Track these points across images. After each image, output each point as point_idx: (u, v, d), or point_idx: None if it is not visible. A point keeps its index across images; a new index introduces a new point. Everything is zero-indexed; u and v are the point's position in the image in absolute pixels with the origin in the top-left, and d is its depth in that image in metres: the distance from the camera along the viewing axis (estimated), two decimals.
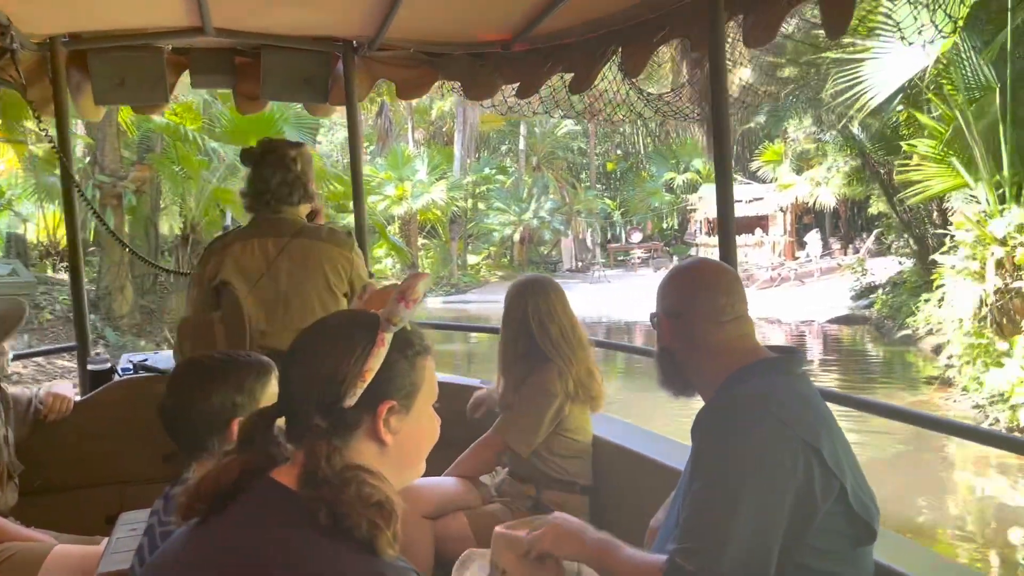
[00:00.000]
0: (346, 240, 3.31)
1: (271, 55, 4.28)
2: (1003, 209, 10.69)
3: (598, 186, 41.44)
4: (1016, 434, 9.18)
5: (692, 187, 36.08)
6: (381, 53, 4.38)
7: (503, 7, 3.82)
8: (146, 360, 3.98)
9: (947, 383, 12.07)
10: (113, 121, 15.24)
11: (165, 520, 1.91)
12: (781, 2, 3.10)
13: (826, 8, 2.96)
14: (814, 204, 28.31)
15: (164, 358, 3.98)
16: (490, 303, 27.04)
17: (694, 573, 1.71)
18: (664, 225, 39.76)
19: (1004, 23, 10.73)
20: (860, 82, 11.81)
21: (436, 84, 4.48)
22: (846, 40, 11.56)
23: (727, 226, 3.40)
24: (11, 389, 3.35)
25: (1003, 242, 10.49)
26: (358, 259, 3.32)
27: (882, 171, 17.49)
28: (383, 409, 1.30)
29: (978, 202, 11.20)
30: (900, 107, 13.52)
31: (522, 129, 37.74)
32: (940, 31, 7.20)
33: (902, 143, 13.25)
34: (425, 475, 1.46)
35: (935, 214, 16.40)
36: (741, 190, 29.19)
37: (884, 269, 21.98)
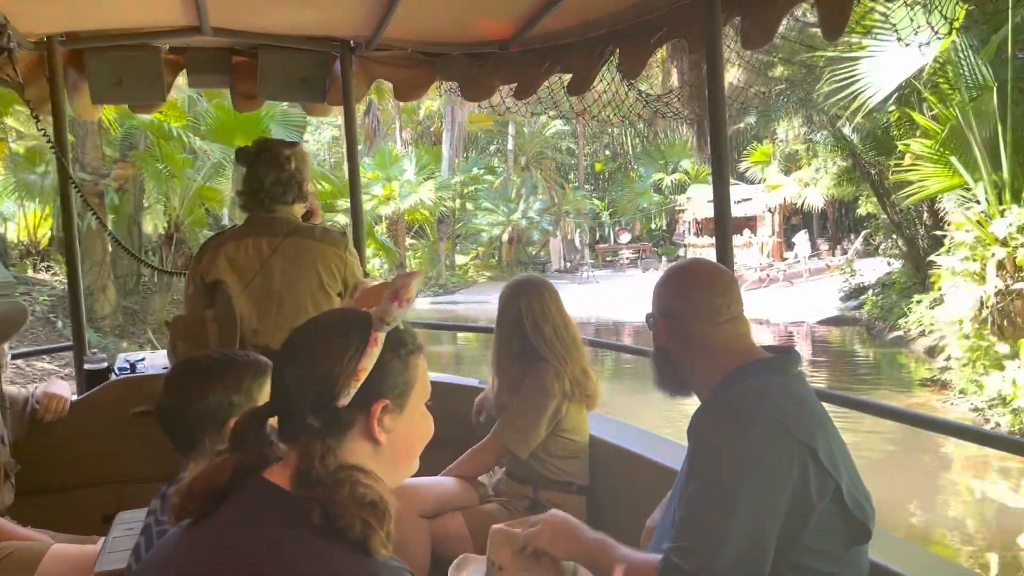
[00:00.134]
0: (340, 239, 3.31)
1: (269, 55, 4.27)
2: (1003, 210, 10.60)
3: (587, 187, 41.51)
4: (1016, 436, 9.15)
5: (680, 188, 36.20)
6: (379, 53, 4.36)
7: (501, 7, 3.82)
8: (142, 359, 3.98)
9: (943, 385, 12.01)
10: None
11: (162, 519, 1.90)
12: (779, 2, 3.12)
13: (824, 9, 2.97)
14: (802, 205, 28.44)
15: (161, 355, 3.98)
16: (478, 304, 27.06)
17: (690, 572, 1.71)
18: (652, 226, 39.89)
19: (1000, 23, 10.70)
20: (856, 80, 11.78)
21: (434, 85, 4.49)
22: (841, 39, 11.54)
23: (724, 226, 3.41)
24: (8, 388, 3.33)
25: (1004, 243, 10.38)
26: (352, 258, 3.33)
27: (873, 172, 17.49)
28: (377, 408, 1.30)
29: (977, 202, 11.11)
30: (892, 107, 13.51)
31: (511, 129, 37.75)
32: (936, 32, 7.22)
33: (898, 143, 13.19)
34: (422, 475, 1.46)
35: (925, 215, 16.42)
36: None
37: (873, 270, 22.04)
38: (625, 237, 37.15)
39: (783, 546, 1.75)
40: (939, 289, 12.13)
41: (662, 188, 37.43)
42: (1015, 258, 10.33)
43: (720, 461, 1.81)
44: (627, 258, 35.35)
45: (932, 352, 13.68)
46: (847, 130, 17.39)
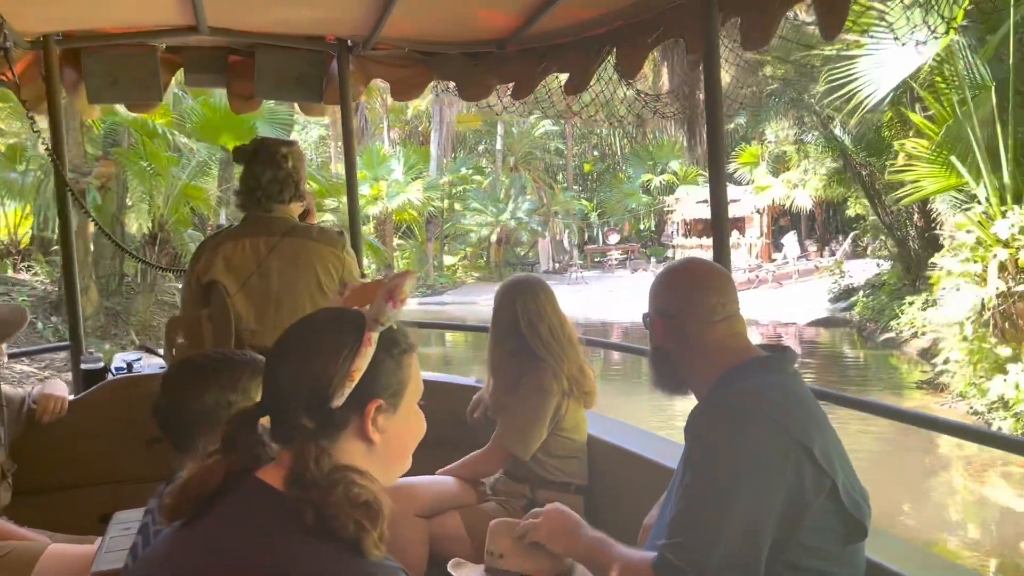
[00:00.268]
0: (338, 239, 3.32)
1: (265, 54, 4.27)
2: (1004, 210, 10.47)
3: (575, 187, 41.49)
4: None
5: (669, 189, 36.21)
6: (376, 52, 4.36)
7: (498, 7, 3.83)
8: (139, 359, 3.98)
9: (939, 388, 11.92)
10: (76, 113, 14.69)
11: (159, 519, 1.91)
12: (776, 2, 3.13)
13: (821, 9, 2.98)
14: (790, 206, 28.52)
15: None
16: (467, 304, 27.00)
17: (683, 568, 1.72)
18: (641, 226, 39.92)
19: (998, 22, 10.62)
20: (854, 79, 11.70)
21: (431, 84, 4.49)
22: (838, 39, 11.51)
23: (721, 226, 3.43)
24: (5, 388, 3.32)
25: (1007, 244, 10.22)
26: (349, 258, 3.33)
27: (864, 172, 17.49)
28: (371, 408, 1.30)
29: (977, 203, 10.96)
30: (884, 107, 13.43)
31: (499, 129, 37.67)
32: (933, 31, 7.22)
33: (894, 143, 13.12)
34: (419, 474, 1.46)
35: (916, 216, 16.39)
36: None
37: (862, 271, 22.12)
38: (614, 238, 37.17)
39: (779, 544, 1.76)
40: (937, 291, 11.96)
41: (651, 189, 37.41)
42: (1017, 260, 10.18)
43: (716, 459, 1.82)
44: (615, 259, 35.33)
45: (926, 354, 13.59)
46: (838, 131, 17.36)
